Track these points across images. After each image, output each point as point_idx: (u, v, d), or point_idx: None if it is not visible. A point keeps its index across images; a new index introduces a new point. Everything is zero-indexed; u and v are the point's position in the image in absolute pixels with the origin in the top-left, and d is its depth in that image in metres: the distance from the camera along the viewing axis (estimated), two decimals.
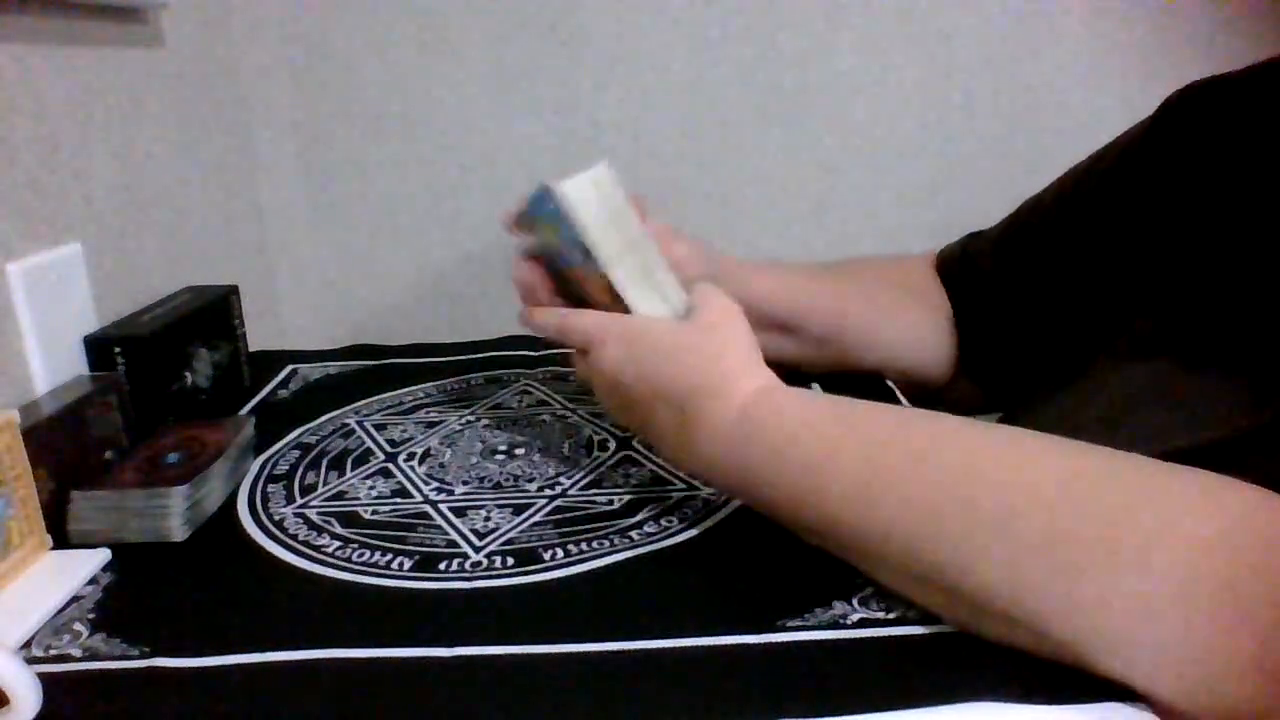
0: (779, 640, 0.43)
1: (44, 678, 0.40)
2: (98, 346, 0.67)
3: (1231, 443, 0.44)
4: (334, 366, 0.86)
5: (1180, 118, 0.59)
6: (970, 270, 0.74)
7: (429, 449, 0.67)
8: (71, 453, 0.58)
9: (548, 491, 0.59)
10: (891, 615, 0.45)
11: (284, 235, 1.11)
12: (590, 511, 0.57)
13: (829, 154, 1.10)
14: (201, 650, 0.44)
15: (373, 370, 0.85)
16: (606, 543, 0.53)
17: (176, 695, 0.42)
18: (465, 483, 0.61)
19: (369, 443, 0.68)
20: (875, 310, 0.73)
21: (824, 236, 1.13)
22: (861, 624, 0.44)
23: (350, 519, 0.57)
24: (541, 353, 0.85)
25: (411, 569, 0.51)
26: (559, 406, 0.74)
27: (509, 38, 1.06)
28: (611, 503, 0.58)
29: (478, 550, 0.53)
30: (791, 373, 0.56)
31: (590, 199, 0.57)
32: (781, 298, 0.69)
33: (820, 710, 0.38)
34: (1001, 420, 0.67)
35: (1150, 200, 0.59)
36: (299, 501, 0.60)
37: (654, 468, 0.62)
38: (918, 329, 0.74)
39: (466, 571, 0.51)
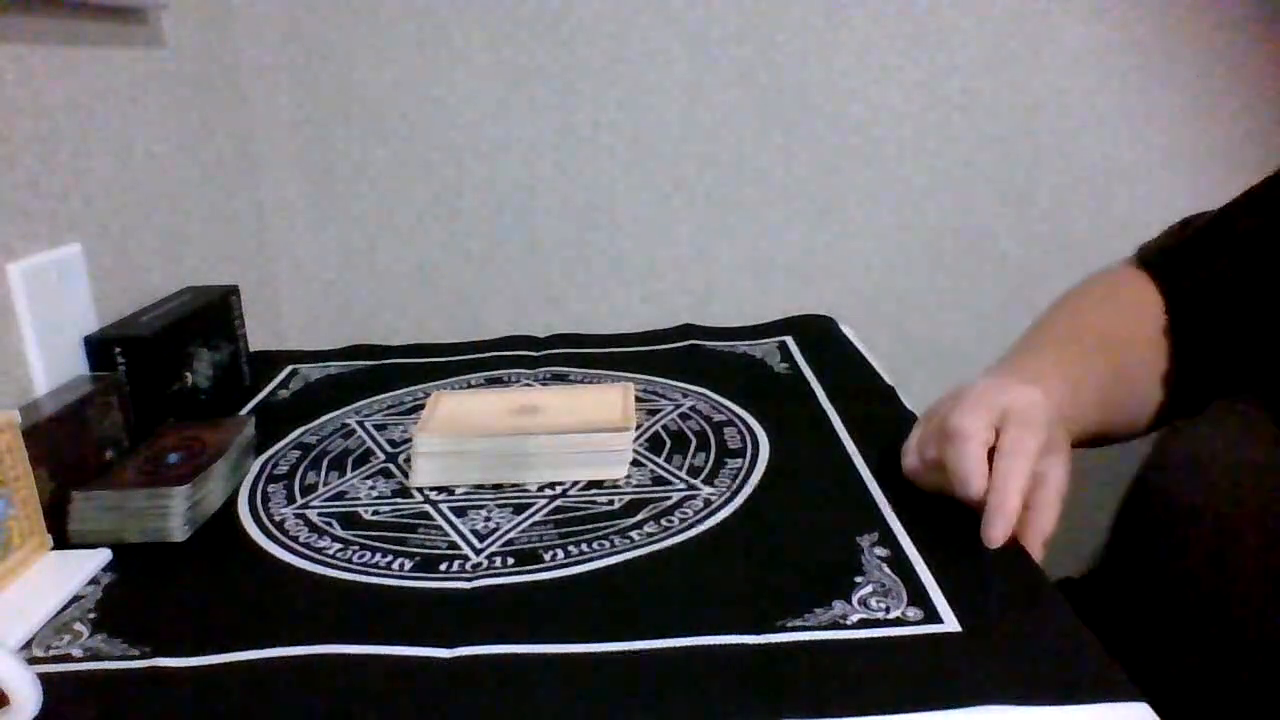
0: (779, 640, 0.43)
1: (44, 678, 0.40)
2: (98, 346, 0.67)
3: None
4: (334, 366, 0.86)
5: None
6: (1199, 269, 0.68)
7: None
8: (72, 453, 0.58)
9: (548, 491, 0.59)
10: (891, 615, 0.45)
11: (284, 235, 1.12)
12: (590, 512, 0.57)
13: (829, 154, 1.10)
14: (202, 650, 0.44)
15: (373, 370, 0.85)
16: (606, 543, 0.53)
17: (177, 695, 0.42)
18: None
19: (369, 443, 0.68)
20: (1129, 407, 0.68)
21: (824, 236, 1.13)
22: (861, 624, 0.44)
23: (351, 519, 0.57)
24: (541, 353, 0.85)
25: (412, 570, 0.51)
26: None
27: (509, 37, 1.06)
28: (611, 503, 0.58)
29: (478, 551, 0.53)
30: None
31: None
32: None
33: (820, 710, 0.38)
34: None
35: None
36: (299, 502, 0.60)
37: (654, 468, 0.62)
38: (1148, 400, 0.69)
39: (466, 572, 0.51)
